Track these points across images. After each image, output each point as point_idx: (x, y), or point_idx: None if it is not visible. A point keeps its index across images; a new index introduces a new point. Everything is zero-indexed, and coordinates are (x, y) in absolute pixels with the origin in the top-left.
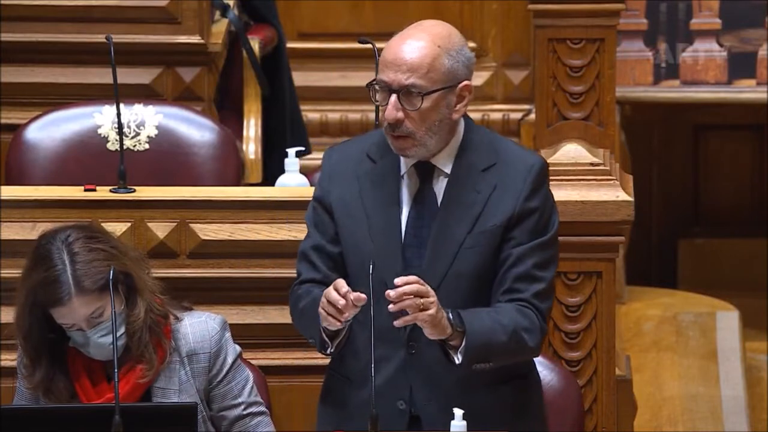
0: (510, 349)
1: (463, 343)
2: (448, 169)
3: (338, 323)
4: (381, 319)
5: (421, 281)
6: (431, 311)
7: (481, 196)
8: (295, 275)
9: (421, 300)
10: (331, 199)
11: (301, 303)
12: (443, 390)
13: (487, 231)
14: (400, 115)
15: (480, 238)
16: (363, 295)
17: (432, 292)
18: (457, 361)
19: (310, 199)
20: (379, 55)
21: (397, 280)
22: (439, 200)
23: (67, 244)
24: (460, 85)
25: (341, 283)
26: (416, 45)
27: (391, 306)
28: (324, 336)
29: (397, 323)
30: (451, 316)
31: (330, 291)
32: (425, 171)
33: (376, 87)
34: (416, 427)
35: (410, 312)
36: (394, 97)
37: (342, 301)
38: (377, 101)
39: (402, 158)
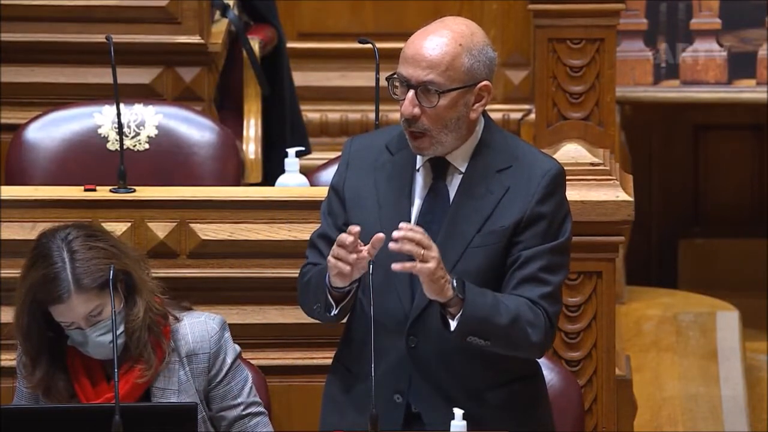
0: (511, 335)
1: (461, 311)
2: (463, 168)
3: (346, 268)
4: (384, 312)
5: (427, 235)
6: (430, 264)
7: (493, 197)
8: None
9: (423, 251)
10: (345, 188)
11: (306, 276)
12: (443, 385)
13: (495, 231)
14: (417, 111)
15: (488, 238)
16: (381, 234)
17: (435, 248)
18: (451, 327)
19: (310, 199)
20: (379, 55)
21: (403, 225)
22: (452, 197)
23: (67, 242)
24: (479, 85)
25: (353, 225)
26: (437, 42)
27: (391, 244)
28: (329, 298)
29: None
30: (455, 283)
31: (341, 235)
32: (439, 167)
33: (396, 82)
34: (418, 424)
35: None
36: (411, 92)
37: (351, 238)
38: (396, 95)
39: None
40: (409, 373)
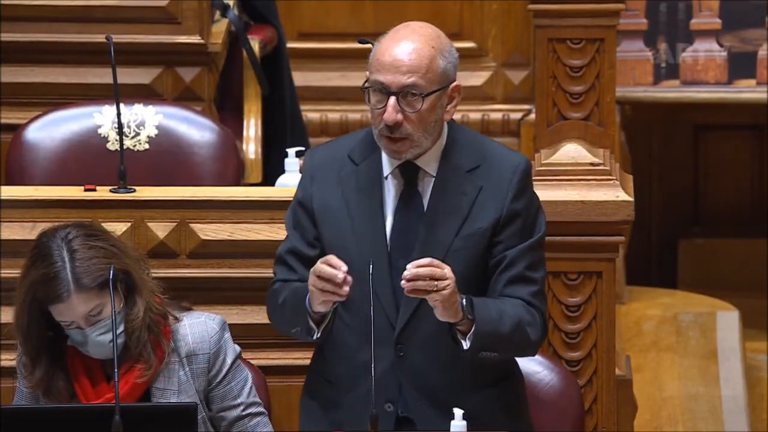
0: (514, 341)
1: (472, 330)
2: (433, 171)
3: (339, 297)
4: (368, 323)
5: (436, 262)
6: (446, 292)
7: (467, 198)
8: (272, 277)
9: (436, 282)
10: (314, 202)
11: (281, 296)
12: (433, 391)
13: (474, 234)
14: (400, 117)
15: (467, 241)
16: (349, 279)
17: (448, 274)
18: (465, 347)
19: None
20: None
21: (409, 266)
22: (425, 202)
23: (67, 242)
24: (452, 86)
25: (334, 258)
26: (412, 46)
27: (403, 283)
28: (311, 322)
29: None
30: (464, 302)
31: (322, 268)
32: (410, 172)
33: (371, 90)
34: (408, 426)
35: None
36: (393, 99)
37: (341, 275)
38: (372, 105)
39: (384, 160)
40: (399, 381)
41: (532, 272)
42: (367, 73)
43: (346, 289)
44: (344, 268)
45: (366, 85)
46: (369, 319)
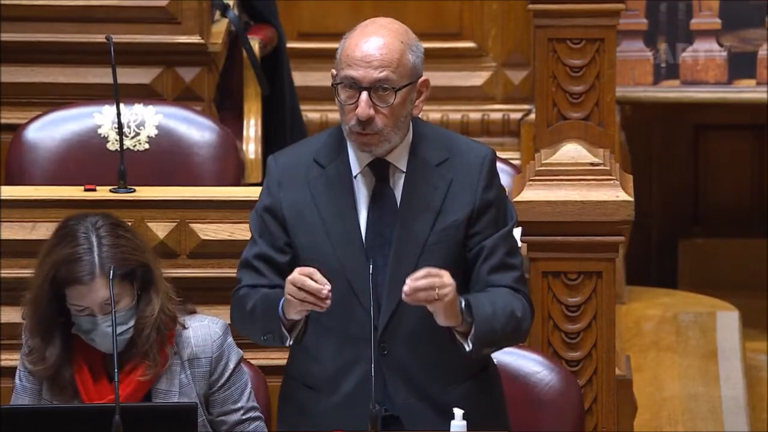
0: (508, 332)
1: (473, 331)
2: (403, 166)
3: (319, 309)
4: (350, 323)
5: (434, 271)
6: (447, 300)
7: (438, 192)
8: (236, 283)
9: (436, 291)
10: (283, 207)
11: (249, 302)
12: (418, 386)
13: (449, 227)
14: (372, 112)
15: (443, 235)
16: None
17: (447, 281)
18: (467, 348)
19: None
20: None
21: (407, 280)
22: (398, 198)
23: (96, 228)
24: (420, 80)
25: (318, 274)
26: (382, 41)
27: (404, 297)
28: (283, 329)
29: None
30: (462, 305)
31: (304, 281)
32: (381, 169)
33: (340, 87)
34: (396, 426)
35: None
36: (365, 94)
37: (325, 291)
38: (343, 101)
39: (353, 160)
40: (384, 379)
41: (511, 258)
42: (333, 70)
43: (328, 302)
44: (328, 286)
45: (336, 81)
46: (355, 319)
